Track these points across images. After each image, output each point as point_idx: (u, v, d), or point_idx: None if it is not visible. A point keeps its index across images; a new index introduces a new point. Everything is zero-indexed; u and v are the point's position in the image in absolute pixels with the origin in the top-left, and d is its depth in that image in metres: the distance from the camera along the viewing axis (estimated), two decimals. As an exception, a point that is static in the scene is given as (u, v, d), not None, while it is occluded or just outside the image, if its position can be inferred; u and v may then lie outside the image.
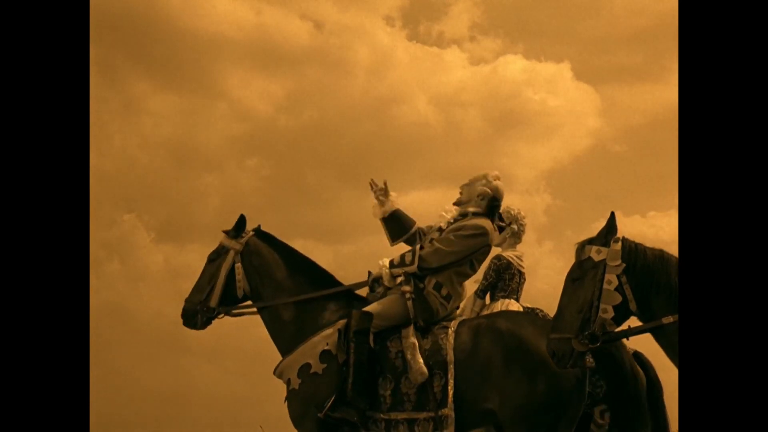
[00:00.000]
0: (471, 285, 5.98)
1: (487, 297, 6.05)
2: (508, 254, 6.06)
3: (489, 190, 5.31)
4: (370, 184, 5.64)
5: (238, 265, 5.43)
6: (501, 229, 5.44)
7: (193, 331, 5.49)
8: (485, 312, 5.88)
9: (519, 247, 6.17)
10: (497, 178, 5.36)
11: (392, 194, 5.62)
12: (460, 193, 5.41)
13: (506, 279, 5.99)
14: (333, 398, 4.94)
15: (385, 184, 5.61)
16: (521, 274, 6.04)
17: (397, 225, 5.59)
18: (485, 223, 5.25)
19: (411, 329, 5.04)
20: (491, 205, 5.32)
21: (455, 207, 5.39)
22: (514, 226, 6.09)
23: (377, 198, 5.62)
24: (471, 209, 5.30)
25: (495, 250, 6.08)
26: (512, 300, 5.96)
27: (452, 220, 5.33)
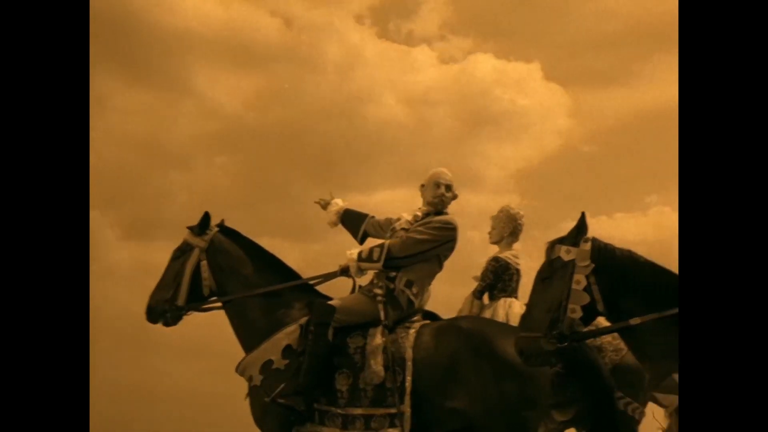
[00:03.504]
0: (470, 284, 6.08)
1: (485, 297, 6.06)
2: (506, 255, 6.08)
3: (454, 193, 5.44)
4: (318, 203, 5.92)
5: (204, 262, 5.40)
6: None
7: (162, 329, 5.45)
8: (487, 312, 5.90)
9: (515, 245, 6.19)
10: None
11: (333, 201, 5.87)
12: (423, 196, 5.50)
13: (506, 279, 6.01)
14: (283, 385, 4.92)
15: (330, 194, 5.90)
16: (518, 272, 6.07)
17: (352, 224, 5.77)
18: (454, 219, 5.34)
19: (379, 330, 5.03)
20: (449, 202, 5.45)
21: (420, 208, 5.46)
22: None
23: (325, 210, 5.87)
24: (437, 209, 5.40)
25: (492, 249, 6.12)
26: (513, 299, 5.98)
27: (420, 217, 5.38)
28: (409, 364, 4.88)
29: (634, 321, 4.08)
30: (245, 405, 5.24)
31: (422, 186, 5.49)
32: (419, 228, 5.27)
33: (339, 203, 5.87)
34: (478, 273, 6.11)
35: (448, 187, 5.42)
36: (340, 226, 5.86)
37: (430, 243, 5.23)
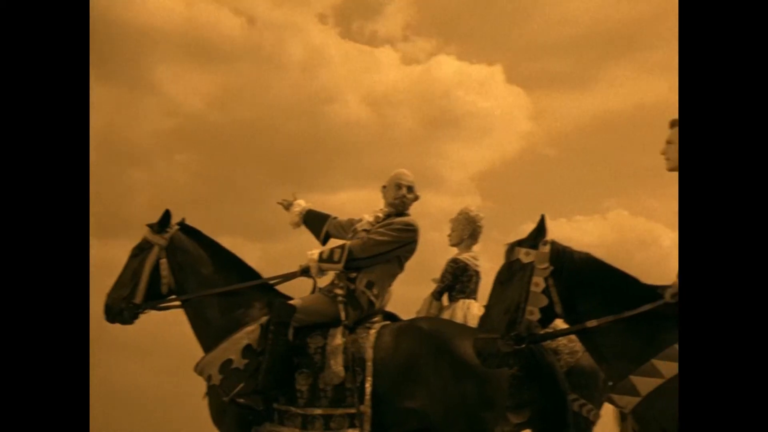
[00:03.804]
0: (430, 285, 6.09)
1: (444, 298, 6.09)
2: (465, 256, 6.12)
3: (416, 194, 5.44)
4: (280, 204, 5.91)
5: (163, 260, 5.35)
6: None
7: (118, 329, 5.40)
8: (446, 313, 5.93)
9: (475, 247, 6.24)
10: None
11: (296, 201, 5.87)
12: (384, 197, 5.50)
13: (464, 281, 6.05)
14: (243, 384, 4.91)
15: (293, 195, 5.88)
16: (477, 273, 6.11)
17: (314, 225, 5.77)
18: (414, 221, 5.35)
19: (340, 330, 5.03)
20: (410, 203, 5.46)
21: (381, 210, 5.46)
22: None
23: (287, 210, 5.87)
24: (399, 210, 5.40)
25: (452, 251, 6.16)
26: (472, 300, 6.02)
27: (381, 218, 5.38)
28: (369, 364, 4.88)
29: (591, 323, 4.13)
30: (203, 405, 5.21)
31: (384, 187, 5.50)
32: (380, 229, 5.28)
33: (301, 204, 5.86)
34: (438, 274, 6.14)
35: (410, 189, 5.43)
36: (302, 226, 5.86)
37: (391, 244, 5.24)
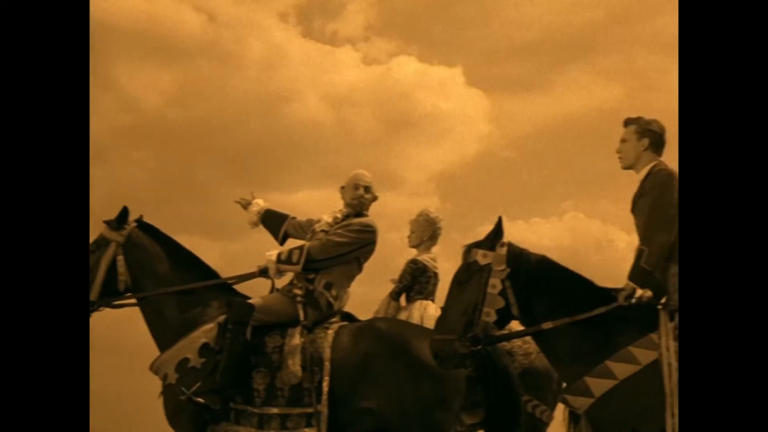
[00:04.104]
0: (388, 286, 6.10)
1: (402, 299, 6.11)
2: (424, 258, 6.15)
3: (374, 195, 5.46)
4: (239, 203, 5.89)
5: (120, 257, 5.29)
6: None
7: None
8: (403, 313, 5.95)
9: (433, 248, 6.27)
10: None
11: (254, 201, 5.85)
12: (343, 197, 5.50)
13: (423, 282, 6.08)
14: (200, 383, 4.88)
15: (251, 194, 5.86)
16: (436, 275, 6.14)
17: (272, 225, 5.75)
18: (373, 222, 5.36)
19: (298, 330, 5.02)
20: (369, 204, 5.47)
21: (340, 210, 5.46)
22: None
23: (245, 210, 5.84)
24: (357, 210, 5.41)
25: (411, 253, 6.17)
26: (429, 302, 6.04)
27: (340, 219, 5.39)
28: (327, 364, 4.88)
29: (547, 325, 4.17)
30: (158, 404, 5.17)
31: (342, 188, 5.51)
32: (339, 230, 5.28)
33: (260, 203, 5.84)
34: (397, 275, 6.16)
35: (368, 189, 5.45)
36: (260, 226, 5.84)
37: (350, 246, 5.24)
